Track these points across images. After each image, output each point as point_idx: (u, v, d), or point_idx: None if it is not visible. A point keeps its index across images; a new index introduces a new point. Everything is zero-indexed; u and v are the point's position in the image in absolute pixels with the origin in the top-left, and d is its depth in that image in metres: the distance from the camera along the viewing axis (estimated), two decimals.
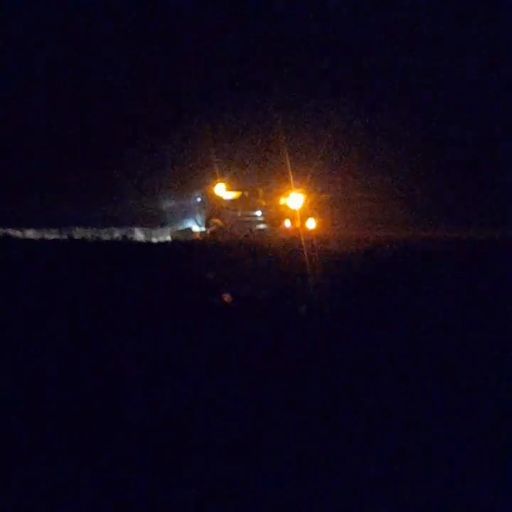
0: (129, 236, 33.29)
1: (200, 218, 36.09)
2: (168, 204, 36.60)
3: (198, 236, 35.36)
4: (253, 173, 36.20)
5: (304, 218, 34.65)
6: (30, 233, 32.31)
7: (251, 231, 34.11)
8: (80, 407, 5.59)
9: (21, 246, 28.30)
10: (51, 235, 32.21)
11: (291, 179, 34.79)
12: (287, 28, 36.37)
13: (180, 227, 36.36)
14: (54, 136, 35.96)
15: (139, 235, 33.91)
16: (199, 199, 36.33)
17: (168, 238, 34.31)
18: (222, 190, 35.67)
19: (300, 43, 36.73)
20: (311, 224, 34.04)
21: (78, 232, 32.96)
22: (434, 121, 36.30)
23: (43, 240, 30.51)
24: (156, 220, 35.72)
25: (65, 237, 32.39)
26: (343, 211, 35.24)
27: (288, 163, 34.82)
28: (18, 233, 32.13)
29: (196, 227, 36.61)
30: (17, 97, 35.30)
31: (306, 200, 34.92)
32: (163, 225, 35.61)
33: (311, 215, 34.52)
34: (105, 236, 32.77)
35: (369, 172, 36.51)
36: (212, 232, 34.89)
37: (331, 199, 35.26)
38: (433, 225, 33.98)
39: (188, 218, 36.98)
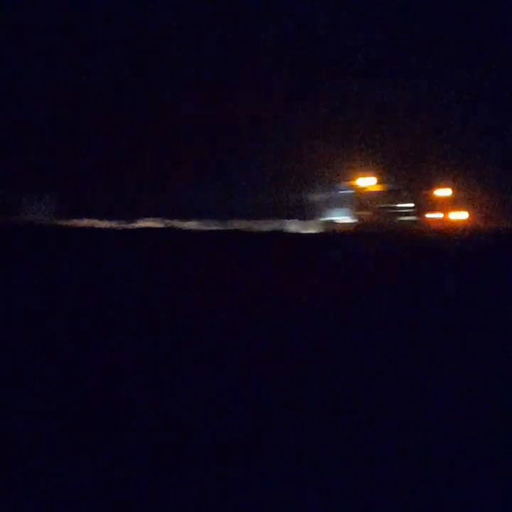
0: (283, 228, 34.46)
1: (347, 210, 37.08)
2: (314, 196, 37.58)
3: (343, 227, 36.30)
4: (399, 167, 36.93)
5: (452, 210, 35.24)
6: (192, 224, 33.78)
7: (399, 222, 34.95)
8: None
9: (188, 237, 29.76)
10: (212, 226, 33.69)
11: (437, 173, 35.40)
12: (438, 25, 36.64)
13: (325, 219, 37.39)
14: (209, 128, 37.24)
15: (292, 226, 35.03)
16: (347, 191, 37.33)
17: (317, 230, 35.35)
18: (370, 183, 36.61)
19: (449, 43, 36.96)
20: (462, 216, 34.62)
21: (235, 224, 34.38)
22: None
23: (207, 231, 32.00)
24: (303, 211, 36.73)
25: (224, 228, 33.87)
26: (491, 206, 35.57)
27: (435, 158, 35.40)
28: (181, 224, 33.69)
29: (340, 219, 37.63)
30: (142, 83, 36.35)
31: (454, 193, 35.50)
32: (311, 217, 36.66)
33: (461, 208, 35.10)
34: (260, 227, 34.08)
35: None
36: (360, 224, 35.81)
37: (478, 194, 35.69)
38: None
39: (332, 210, 38.02)
